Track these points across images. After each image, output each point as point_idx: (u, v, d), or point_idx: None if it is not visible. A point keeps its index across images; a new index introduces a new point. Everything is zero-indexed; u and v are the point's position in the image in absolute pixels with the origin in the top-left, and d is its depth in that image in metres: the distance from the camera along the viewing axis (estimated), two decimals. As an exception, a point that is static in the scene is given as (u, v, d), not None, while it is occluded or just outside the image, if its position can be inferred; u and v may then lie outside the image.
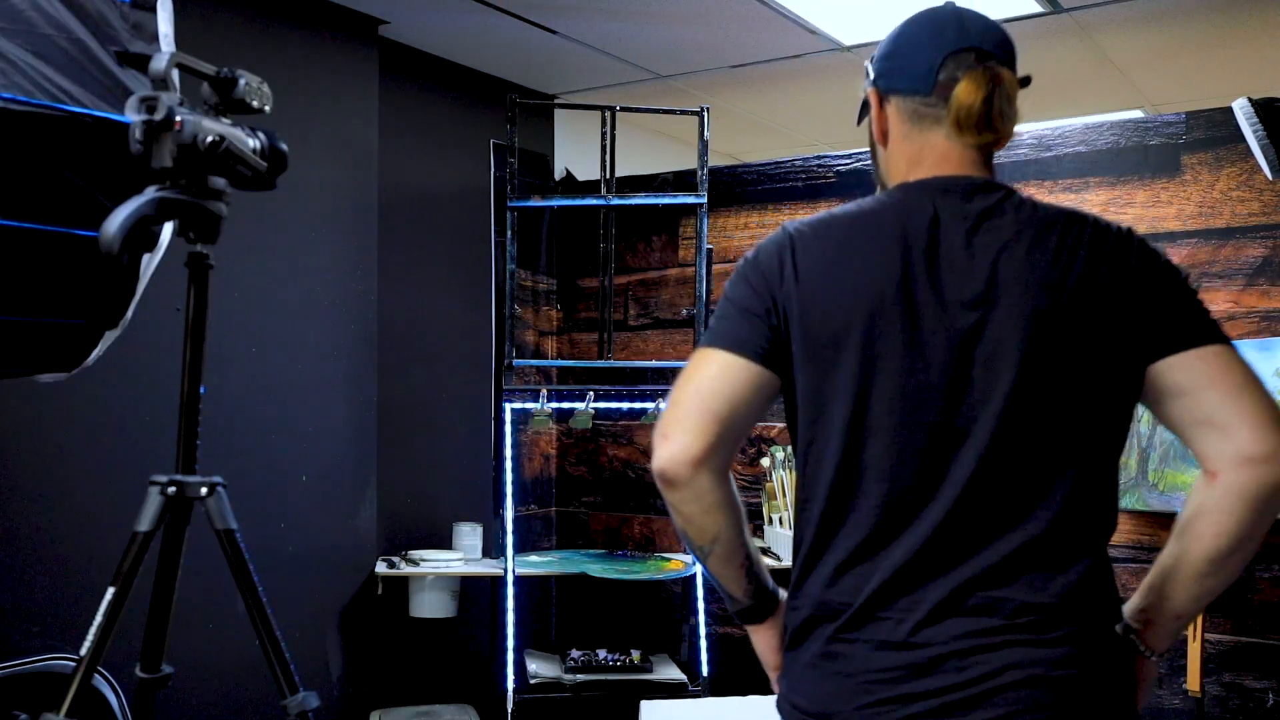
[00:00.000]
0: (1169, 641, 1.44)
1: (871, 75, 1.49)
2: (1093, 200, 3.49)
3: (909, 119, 1.44)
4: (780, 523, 3.86)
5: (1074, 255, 1.33)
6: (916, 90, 1.42)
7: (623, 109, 3.80)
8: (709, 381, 1.36)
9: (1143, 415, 3.19)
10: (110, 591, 1.61)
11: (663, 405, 3.67)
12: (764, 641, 1.51)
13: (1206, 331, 1.34)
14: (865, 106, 1.52)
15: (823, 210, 1.45)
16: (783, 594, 1.49)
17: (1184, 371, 1.33)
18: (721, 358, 1.37)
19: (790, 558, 1.47)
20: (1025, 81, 1.43)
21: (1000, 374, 1.32)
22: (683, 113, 3.83)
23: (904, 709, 1.29)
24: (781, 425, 4.01)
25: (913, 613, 1.31)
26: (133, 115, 1.58)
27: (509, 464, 3.71)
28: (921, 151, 1.43)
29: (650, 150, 5.20)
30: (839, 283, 1.36)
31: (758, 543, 3.95)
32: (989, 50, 1.40)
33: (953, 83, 1.39)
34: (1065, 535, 1.34)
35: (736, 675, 4.03)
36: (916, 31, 1.44)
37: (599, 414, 3.83)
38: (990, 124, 1.39)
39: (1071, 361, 1.32)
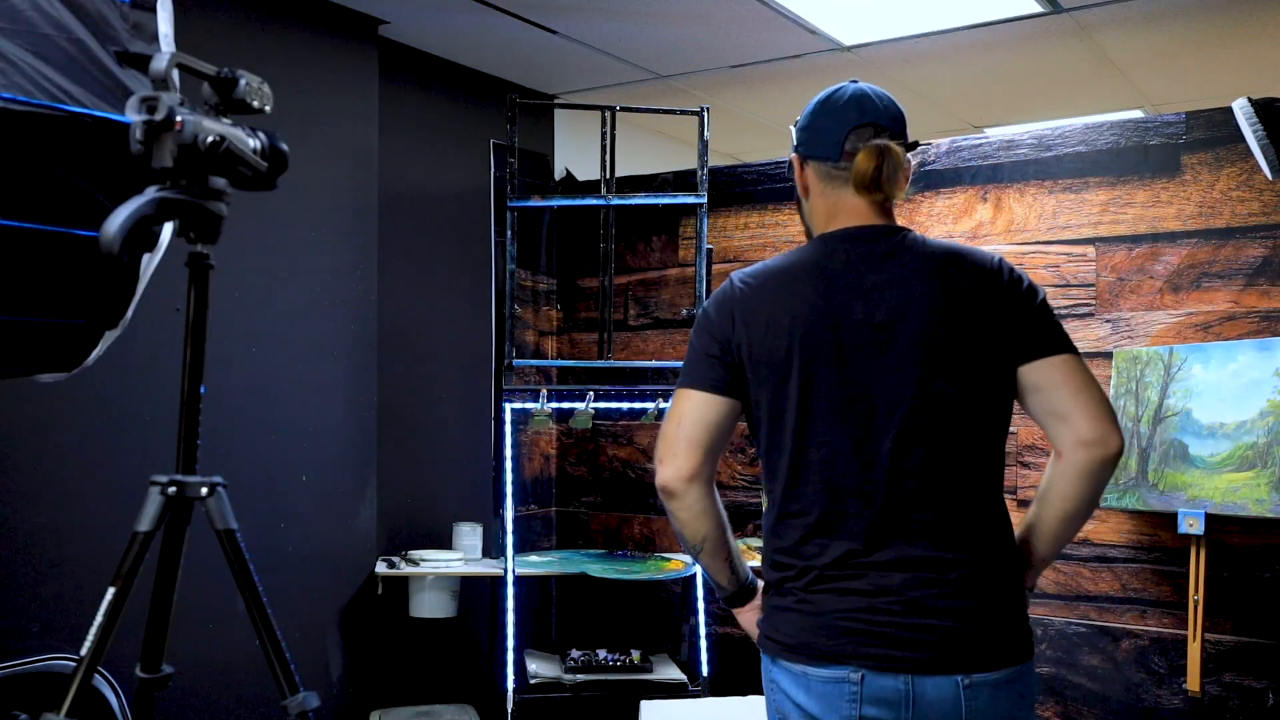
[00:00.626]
0: (1036, 579, 1.86)
1: (794, 142, 1.88)
2: (1093, 200, 3.49)
3: (824, 179, 1.83)
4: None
5: (957, 284, 1.72)
6: (828, 157, 1.80)
7: (623, 109, 3.80)
8: (688, 415, 1.78)
9: (1142, 415, 3.19)
10: (110, 591, 1.61)
11: (663, 405, 3.69)
12: (747, 619, 1.89)
13: (1059, 343, 1.73)
14: (791, 166, 1.91)
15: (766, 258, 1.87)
16: (759, 583, 1.86)
17: (1040, 374, 1.71)
18: (695, 395, 1.78)
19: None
20: (912, 146, 1.82)
21: (906, 381, 1.69)
22: (683, 113, 3.83)
23: (864, 640, 1.66)
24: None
25: (868, 569, 1.69)
26: (133, 115, 1.58)
27: (509, 464, 3.71)
28: (836, 205, 1.81)
29: (650, 150, 5.21)
30: (777, 319, 1.74)
31: (754, 542, 3.96)
32: (884, 124, 1.78)
33: (855, 152, 1.76)
34: (970, 504, 1.72)
35: (736, 675, 4.03)
36: (827, 111, 1.83)
37: (599, 414, 3.83)
38: (880, 186, 1.75)
39: (958, 368, 1.70)
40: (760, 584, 1.86)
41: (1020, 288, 1.74)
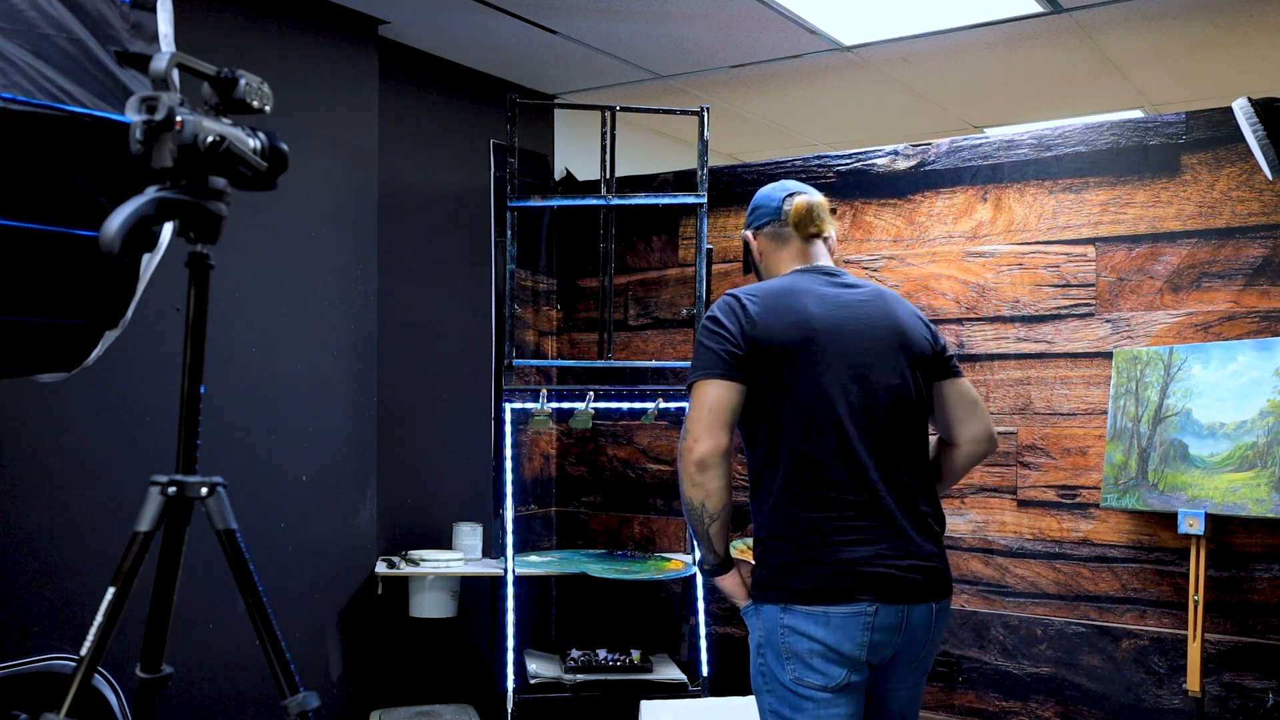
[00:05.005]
0: None
1: (749, 225, 2.46)
2: (1092, 200, 3.49)
3: (772, 238, 2.41)
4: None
5: (899, 311, 2.30)
6: (773, 220, 2.40)
7: (623, 109, 3.80)
8: (714, 401, 2.16)
9: (1142, 415, 3.19)
10: (110, 591, 1.61)
11: (663, 404, 3.69)
12: (733, 584, 2.26)
13: (957, 367, 2.36)
14: (746, 249, 2.48)
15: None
16: (733, 553, 2.29)
17: (948, 389, 2.34)
18: (717, 384, 2.17)
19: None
20: (833, 212, 2.45)
21: (893, 378, 2.23)
22: (683, 113, 3.83)
23: (877, 581, 2.13)
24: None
25: (873, 527, 2.16)
26: (133, 115, 1.58)
27: (509, 464, 3.71)
28: (788, 254, 2.39)
29: (650, 150, 5.21)
30: (781, 323, 2.19)
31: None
32: (808, 192, 2.44)
33: (788, 211, 2.39)
34: (926, 477, 2.27)
35: (736, 675, 4.03)
36: (764, 194, 2.45)
37: (599, 414, 3.83)
38: (814, 221, 2.38)
39: (917, 375, 2.27)
40: (734, 554, 2.28)
41: (928, 320, 2.41)
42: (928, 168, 3.80)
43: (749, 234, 2.47)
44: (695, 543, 2.31)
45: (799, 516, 2.15)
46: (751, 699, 3.29)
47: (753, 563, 2.27)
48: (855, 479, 2.15)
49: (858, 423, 2.16)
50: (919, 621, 2.17)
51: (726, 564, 2.26)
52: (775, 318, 2.20)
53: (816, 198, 2.41)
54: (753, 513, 2.27)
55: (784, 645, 2.15)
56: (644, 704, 3.28)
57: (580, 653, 3.77)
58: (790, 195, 2.41)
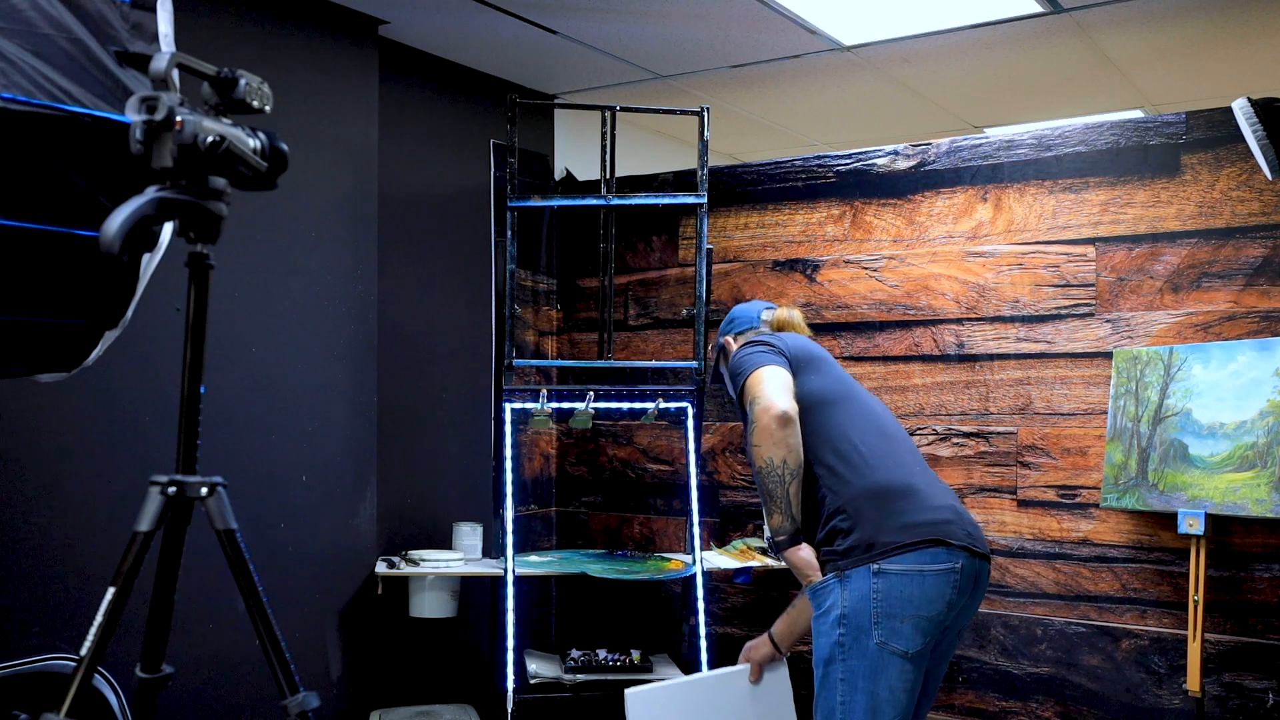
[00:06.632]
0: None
1: (726, 333, 2.90)
2: (1093, 200, 3.50)
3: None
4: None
5: None
6: (752, 326, 2.87)
7: (623, 109, 3.80)
8: (776, 375, 2.52)
9: (1142, 415, 3.19)
10: (110, 591, 1.61)
11: (663, 404, 3.69)
12: (809, 554, 2.42)
13: None
14: (719, 356, 2.90)
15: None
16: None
17: None
18: (773, 367, 2.55)
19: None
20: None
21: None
22: (683, 113, 3.83)
23: (962, 536, 2.43)
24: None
25: (938, 496, 2.52)
26: (133, 115, 1.58)
27: (509, 464, 3.71)
28: None
29: (650, 150, 5.21)
30: (801, 343, 2.70)
31: (754, 541, 3.95)
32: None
33: (769, 320, 2.86)
34: None
35: (736, 675, 4.02)
36: (742, 309, 2.93)
37: (599, 414, 3.83)
38: (792, 326, 2.83)
39: None
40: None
41: None
42: (928, 168, 3.80)
43: (729, 338, 2.85)
44: (769, 515, 2.41)
45: (877, 479, 2.40)
46: (738, 668, 3.17)
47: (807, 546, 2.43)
48: (905, 454, 2.48)
49: (885, 418, 2.57)
50: (983, 578, 2.41)
51: (796, 535, 2.42)
52: (795, 341, 2.68)
53: (795, 310, 2.90)
54: (818, 493, 2.45)
55: (876, 609, 2.27)
56: (628, 692, 3.25)
57: (580, 653, 3.77)
58: (769, 308, 2.89)
